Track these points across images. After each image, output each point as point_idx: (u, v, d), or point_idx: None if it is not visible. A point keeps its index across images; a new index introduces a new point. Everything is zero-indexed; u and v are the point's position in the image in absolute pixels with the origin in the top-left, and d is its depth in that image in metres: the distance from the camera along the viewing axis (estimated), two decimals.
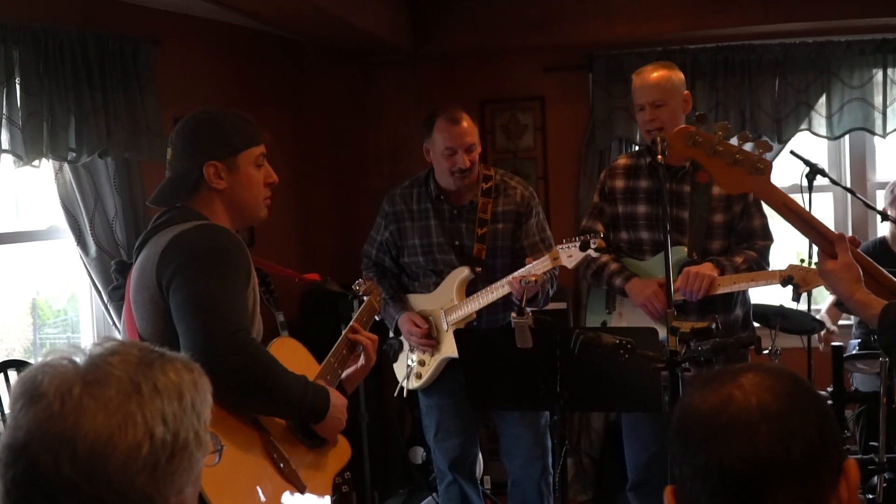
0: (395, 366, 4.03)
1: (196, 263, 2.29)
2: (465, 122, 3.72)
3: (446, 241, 3.82)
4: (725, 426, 1.18)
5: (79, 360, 1.20)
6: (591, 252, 3.43)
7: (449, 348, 3.77)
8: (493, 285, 3.67)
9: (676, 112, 3.56)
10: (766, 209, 3.68)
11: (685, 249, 3.55)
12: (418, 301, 3.91)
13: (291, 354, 2.61)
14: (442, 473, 4.01)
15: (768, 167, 2.24)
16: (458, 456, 3.94)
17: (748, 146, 2.31)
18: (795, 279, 3.22)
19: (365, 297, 3.22)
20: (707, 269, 3.46)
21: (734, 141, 2.29)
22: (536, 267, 3.51)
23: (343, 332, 2.85)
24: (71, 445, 1.13)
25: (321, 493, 2.57)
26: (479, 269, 3.77)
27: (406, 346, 3.92)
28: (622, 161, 3.82)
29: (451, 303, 3.78)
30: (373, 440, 5.14)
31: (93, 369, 1.19)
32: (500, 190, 3.81)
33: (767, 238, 3.64)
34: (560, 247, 3.50)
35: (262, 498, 2.35)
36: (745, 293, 3.67)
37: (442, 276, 3.83)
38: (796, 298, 3.37)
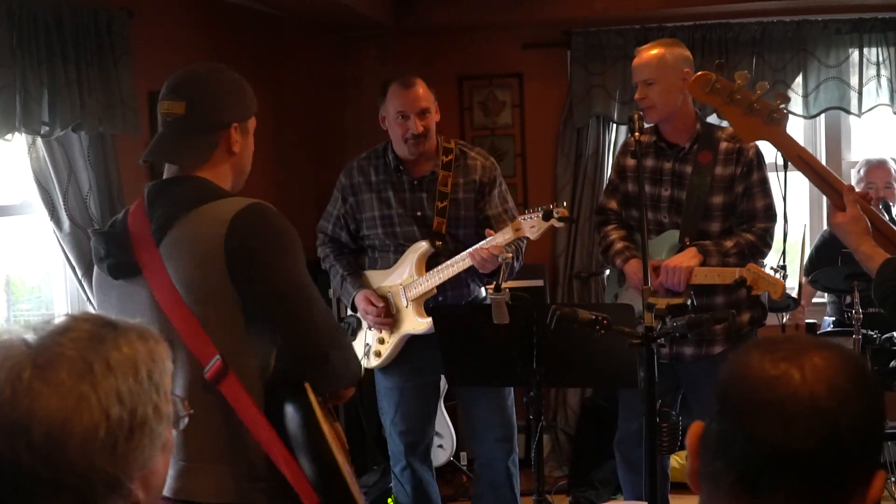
0: (353, 344, 3.90)
1: (282, 251, 2.16)
2: (419, 88, 3.65)
3: (406, 213, 3.73)
4: (768, 404, 1.12)
5: (30, 339, 1.17)
6: (553, 222, 3.37)
7: (409, 325, 3.71)
8: (454, 259, 3.59)
9: (670, 91, 3.49)
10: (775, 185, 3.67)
11: (678, 233, 3.51)
12: (377, 278, 3.83)
13: None
14: (396, 457, 3.93)
15: (784, 117, 2.27)
16: (413, 441, 3.87)
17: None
18: (748, 282, 3.25)
19: None
20: (686, 258, 3.41)
21: (753, 91, 2.30)
22: (497, 239, 3.44)
23: None
24: (26, 433, 1.10)
25: None
26: (439, 243, 3.68)
27: (364, 323, 3.85)
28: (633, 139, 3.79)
29: (410, 278, 3.71)
30: (349, 417, 5.15)
31: (43, 351, 1.15)
32: (460, 162, 3.75)
33: (770, 220, 3.55)
34: (523, 218, 3.43)
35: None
36: None
37: (401, 251, 3.74)
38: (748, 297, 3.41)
